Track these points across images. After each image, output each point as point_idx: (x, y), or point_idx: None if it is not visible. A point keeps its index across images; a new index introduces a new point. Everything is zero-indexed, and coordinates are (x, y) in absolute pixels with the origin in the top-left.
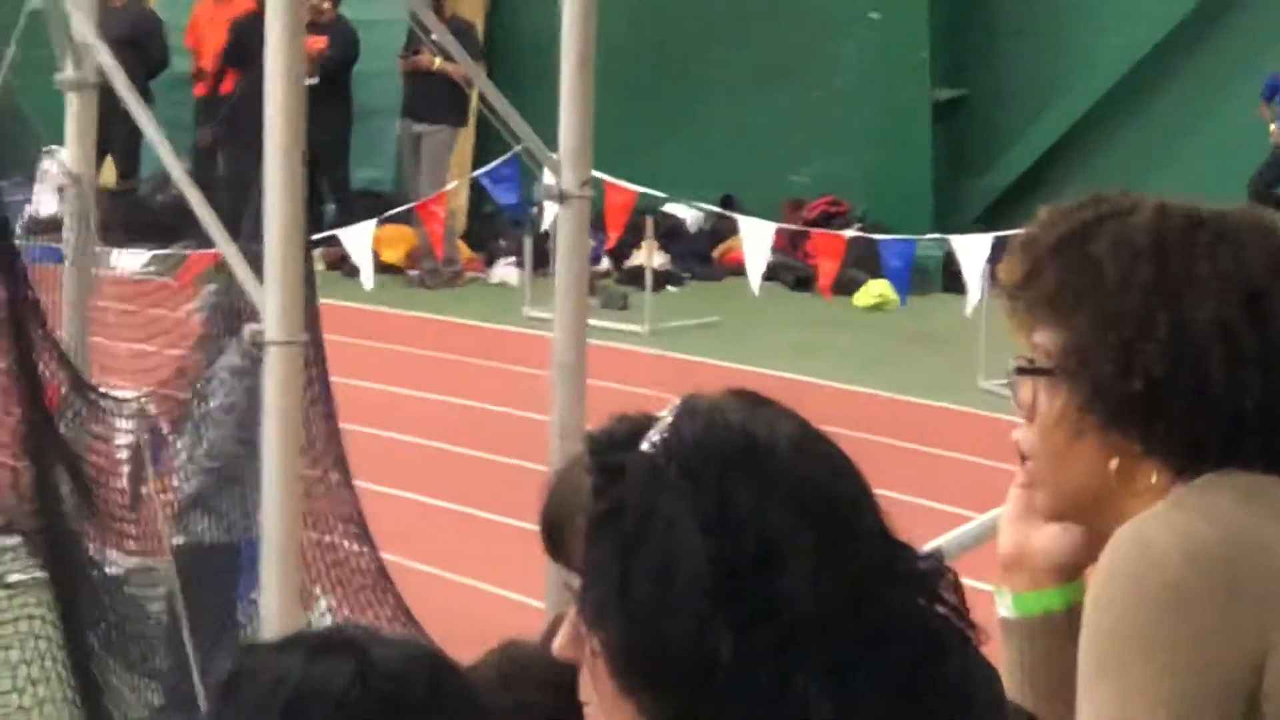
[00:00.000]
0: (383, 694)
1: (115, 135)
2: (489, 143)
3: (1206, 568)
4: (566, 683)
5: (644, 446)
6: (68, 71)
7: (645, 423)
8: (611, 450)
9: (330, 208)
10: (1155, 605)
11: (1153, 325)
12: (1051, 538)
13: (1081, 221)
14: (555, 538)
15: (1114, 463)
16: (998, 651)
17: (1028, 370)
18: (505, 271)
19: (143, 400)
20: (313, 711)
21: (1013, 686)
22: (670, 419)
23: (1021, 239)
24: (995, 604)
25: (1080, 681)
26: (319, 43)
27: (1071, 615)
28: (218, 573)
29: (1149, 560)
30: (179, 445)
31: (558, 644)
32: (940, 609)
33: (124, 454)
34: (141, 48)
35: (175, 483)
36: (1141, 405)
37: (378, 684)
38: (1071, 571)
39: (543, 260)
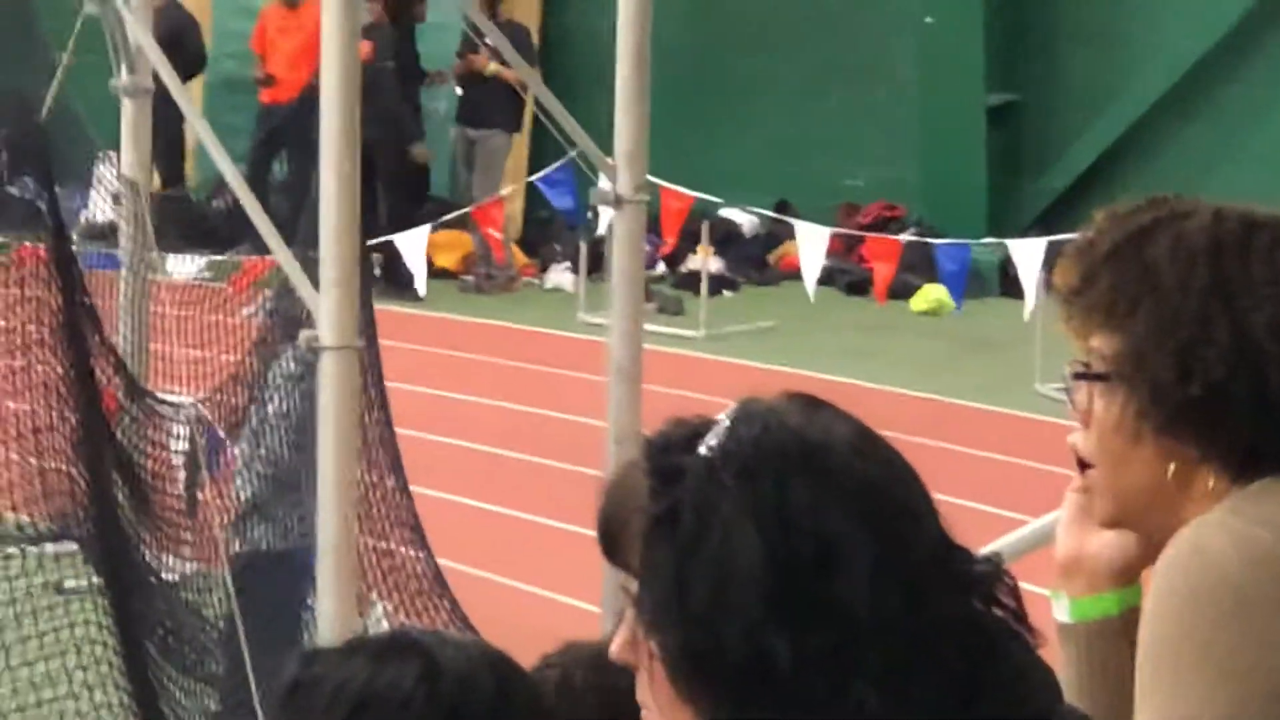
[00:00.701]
0: (450, 695)
1: (157, 141)
2: (544, 147)
3: (1262, 573)
4: (625, 686)
5: (701, 450)
6: (122, 77)
7: (702, 426)
8: (669, 453)
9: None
10: (1212, 612)
11: (1211, 329)
12: (1108, 542)
13: (1138, 226)
14: (612, 541)
15: (1171, 468)
16: (1056, 655)
17: (1085, 375)
18: (560, 277)
19: (199, 406)
20: (380, 714)
21: (1071, 691)
22: (727, 422)
23: (1077, 244)
24: (1052, 608)
25: (1138, 689)
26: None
27: (1128, 619)
28: (275, 579)
29: (1205, 567)
30: (235, 451)
31: (614, 647)
32: (997, 612)
33: (180, 460)
34: (180, 49)
35: (232, 489)
36: (1199, 410)
37: (445, 686)
38: (1129, 575)
39: (597, 265)
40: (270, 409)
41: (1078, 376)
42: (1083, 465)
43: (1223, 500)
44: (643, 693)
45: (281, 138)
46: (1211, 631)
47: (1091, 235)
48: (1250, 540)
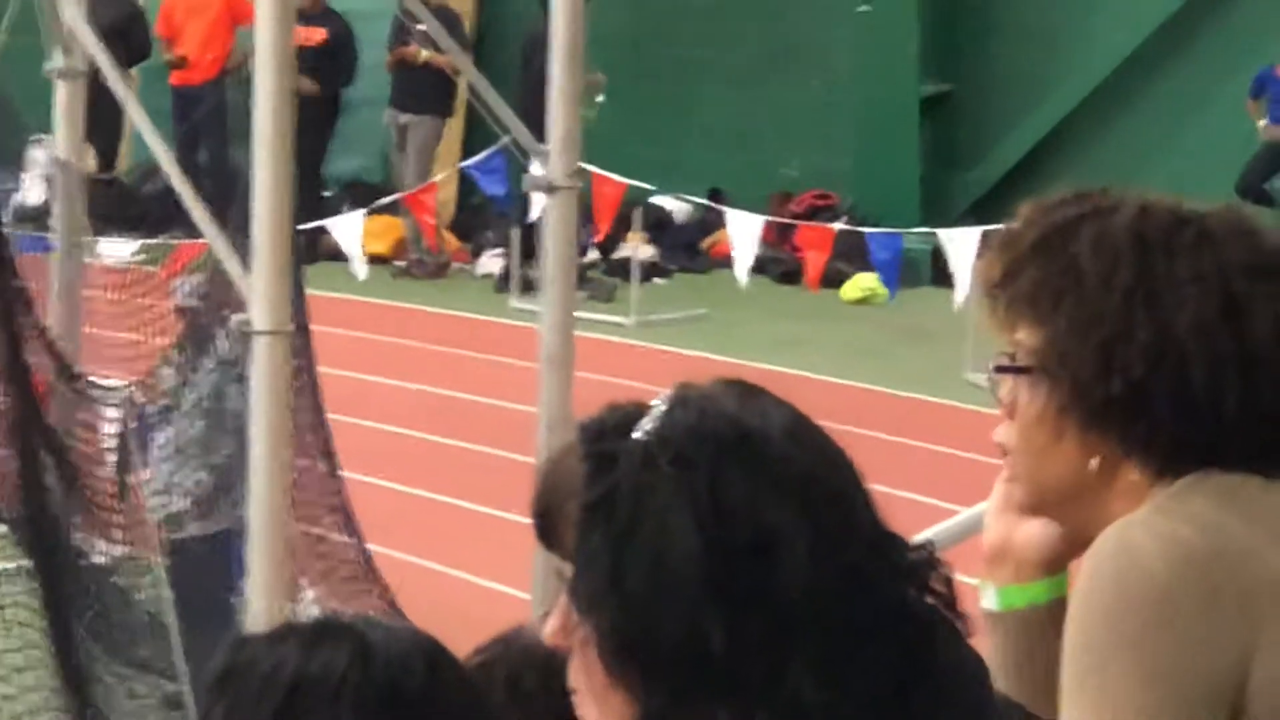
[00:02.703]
0: (383, 678)
1: (95, 125)
2: (477, 133)
3: (1189, 573)
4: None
5: (636, 435)
6: (56, 60)
7: (637, 411)
8: (604, 438)
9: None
10: (1138, 612)
11: (1133, 327)
12: (1036, 532)
13: (1063, 220)
14: (547, 525)
15: (1094, 461)
16: (986, 642)
17: (1008, 368)
18: (492, 262)
19: (130, 389)
20: (313, 698)
21: (998, 679)
22: (663, 407)
23: (1002, 237)
24: (980, 597)
25: (1064, 688)
26: (317, 34)
27: (1055, 609)
28: (205, 565)
29: (1132, 567)
30: (166, 435)
31: (548, 631)
32: (931, 600)
33: (111, 443)
34: (126, 37)
35: (162, 473)
36: (1121, 406)
37: (377, 668)
38: (1056, 565)
39: (530, 251)
40: (202, 392)
41: (1000, 369)
42: (1008, 456)
43: (1146, 494)
44: (576, 677)
45: (201, 121)
46: (1138, 633)
47: (1017, 227)
48: (1176, 540)
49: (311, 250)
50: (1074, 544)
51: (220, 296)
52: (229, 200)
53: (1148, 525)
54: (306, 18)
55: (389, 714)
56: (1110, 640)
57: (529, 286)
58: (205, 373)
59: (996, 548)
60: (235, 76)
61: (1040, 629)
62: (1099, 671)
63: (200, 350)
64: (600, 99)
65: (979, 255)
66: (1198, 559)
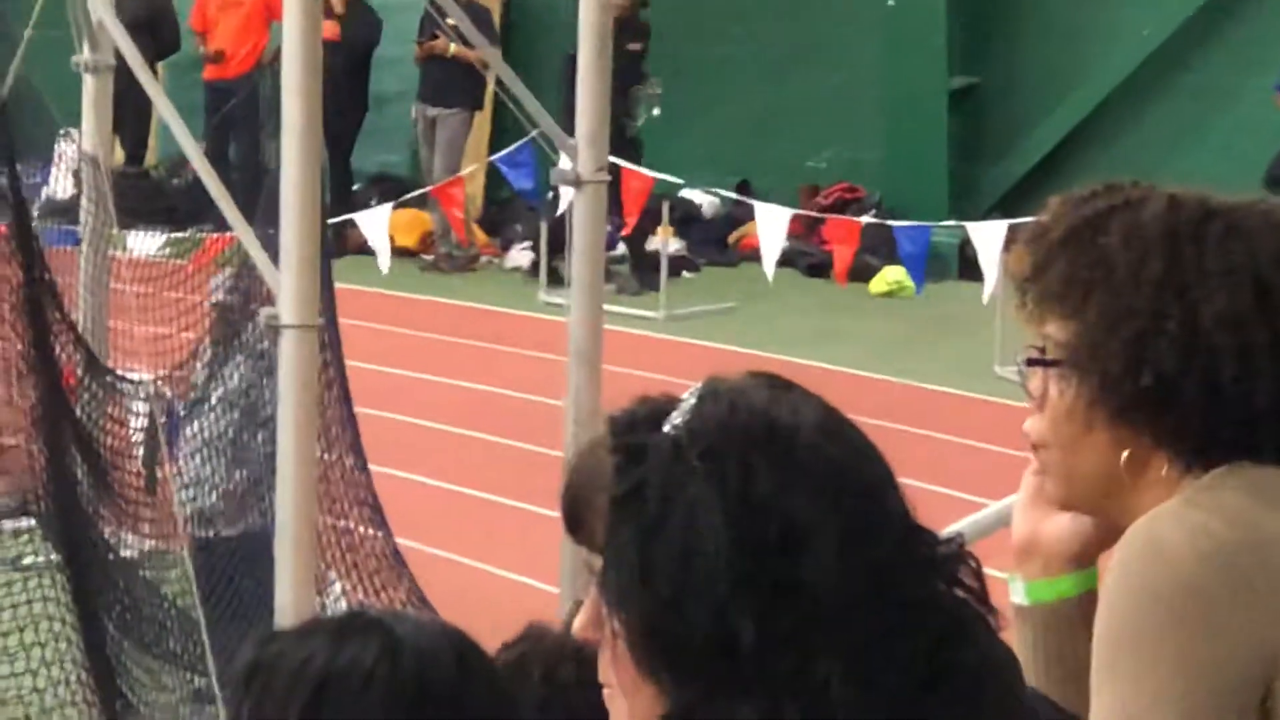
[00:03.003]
0: (411, 671)
1: (124, 118)
2: (505, 127)
3: (1218, 566)
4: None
5: (666, 428)
6: (84, 53)
7: (667, 405)
8: (633, 432)
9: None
10: (1167, 605)
11: (1163, 319)
12: (1064, 525)
13: (1092, 213)
14: (577, 518)
15: (1125, 454)
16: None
17: (1038, 362)
18: (520, 256)
19: (159, 383)
20: (342, 691)
21: (1027, 673)
22: (693, 401)
23: (1031, 230)
24: (1009, 591)
25: (1093, 679)
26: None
27: (1084, 602)
28: (235, 561)
29: (1161, 560)
30: (195, 429)
31: (578, 625)
32: (960, 594)
33: (139, 437)
34: (155, 30)
35: (191, 466)
36: (1152, 399)
37: (406, 662)
38: (1084, 559)
39: (558, 245)
40: (230, 387)
41: (1031, 363)
42: (1038, 449)
43: (1177, 487)
44: (605, 671)
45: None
46: (1166, 625)
47: (1046, 221)
48: (1205, 533)
49: (340, 244)
50: (1103, 537)
51: (248, 290)
52: (258, 194)
53: (1177, 518)
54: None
55: (418, 707)
56: (1139, 632)
57: (557, 280)
58: (234, 366)
59: (1025, 541)
60: (267, 71)
61: (1069, 623)
62: (1125, 663)
63: (230, 344)
64: (656, 111)
65: (1007, 248)
66: (1227, 551)
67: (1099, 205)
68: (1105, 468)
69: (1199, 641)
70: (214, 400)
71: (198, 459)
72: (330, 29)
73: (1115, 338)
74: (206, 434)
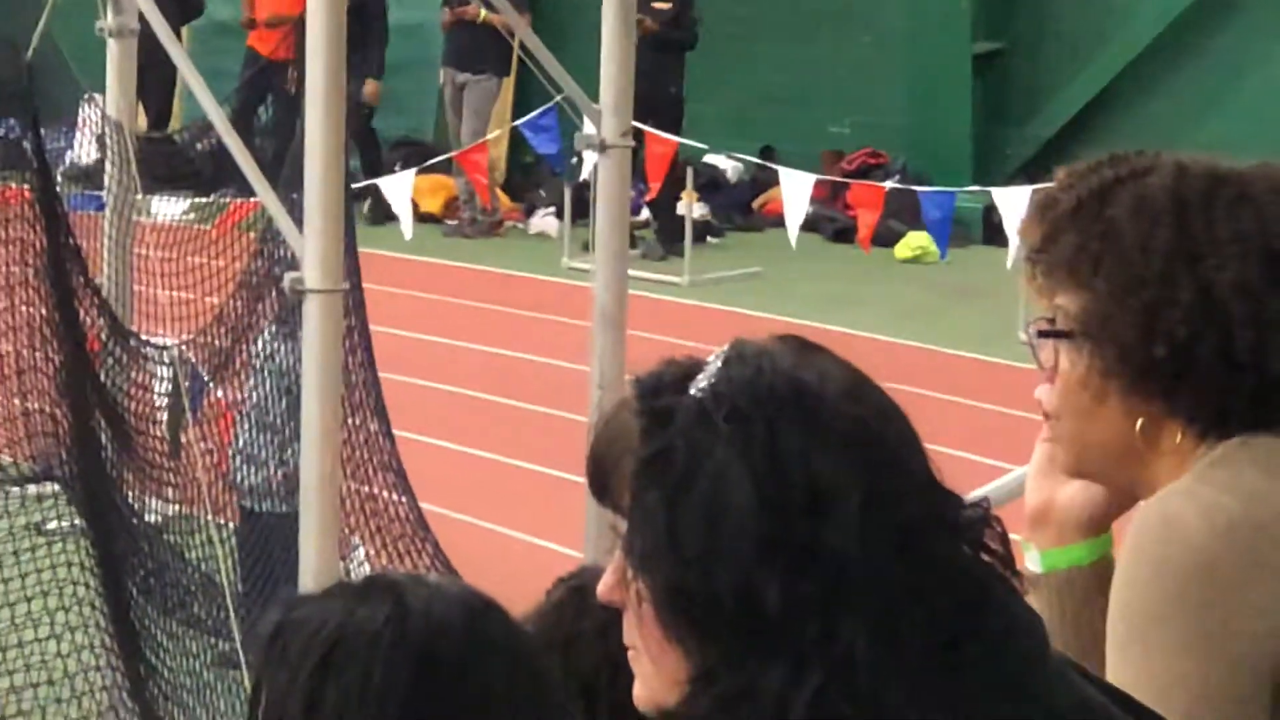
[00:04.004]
0: (418, 635)
1: (149, 83)
2: (530, 92)
3: (1231, 542)
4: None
5: (693, 391)
6: (108, 17)
7: (693, 367)
8: (660, 394)
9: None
10: (1179, 581)
11: (1175, 289)
12: (1077, 493)
13: (1099, 184)
14: (602, 481)
15: (1138, 424)
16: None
17: (1049, 333)
18: (544, 222)
19: (182, 348)
20: (349, 653)
21: None
22: (719, 363)
23: (1039, 201)
24: (1023, 559)
25: (1108, 658)
26: None
27: (1099, 569)
28: (267, 536)
29: (1174, 538)
30: (220, 394)
31: (602, 587)
32: (985, 557)
33: (163, 402)
34: None
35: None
36: (1165, 370)
37: (413, 625)
38: (1098, 526)
39: (582, 211)
40: (254, 350)
41: (1042, 334)
42: (1050, 418)
43: (1190, 456)
44: (630, 634)
45: (267, 80)
46: (1180, 602)
47: (1053, 192)
48: (1218, 509)
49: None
50: (1115, 505)
51: (272, 255)
52: (284, 159)
53: (1189, 495)
54: None
55: (421, 673)
56: (1152, 610)
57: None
58: (257, 331)
59: (1038, 509)
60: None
61: (1083, 590)
62: (1141, 641)
63: (253, 308)
64: None
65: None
66: (1240, 528)
67: (1106, 176)
68: (1118, 437)
69: (1213, 618)
70: (239, 364)
71: (247, 432)
72: None
73: (1127, 308)
74: (239, 400)
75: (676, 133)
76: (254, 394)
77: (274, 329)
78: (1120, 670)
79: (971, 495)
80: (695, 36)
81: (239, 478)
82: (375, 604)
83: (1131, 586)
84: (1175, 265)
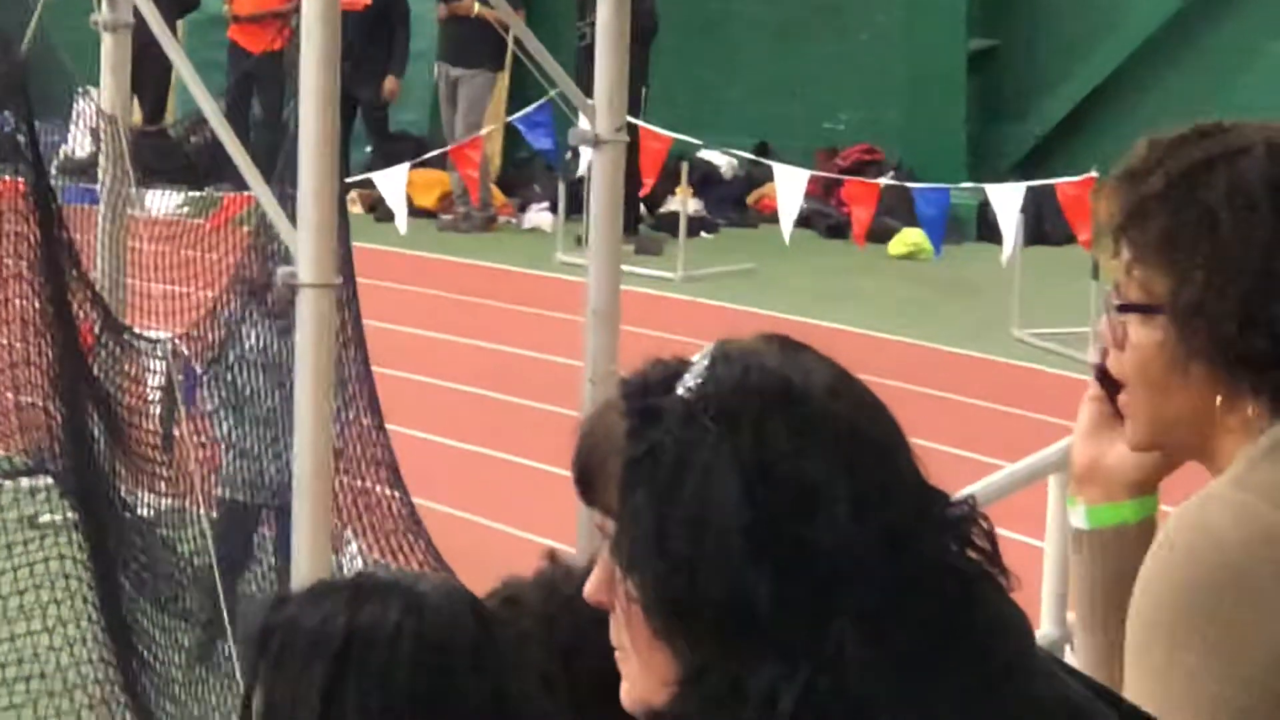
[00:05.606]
0: (435, 630)
1: (144, 77)
2: (524, 87)
3: (1264, 550)
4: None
5: (679, 391)
6: (103, 11)
7: (680, 367)
8: (646, 394)
9: (367, 151)
10: (1209, 585)
11: (1274, 280)
12: (1127, 451)
13: (1189, 163)
14: (589, 482)
15: (1219, 399)
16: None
17: (1134, 308)
18: (538, 217)
19: (175, 342)
20: (368, 649)
21: (1085, 597)
22: (705, 363)
23: (1123, 175)
24: (1068, 515)
25: (1128, 654)
26: None
27: (1144, 528)
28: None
29: (1206, 540)
30: (212, 388)
31: (589, 588)
32: (972, 555)
33: (156, 396)
34: None
35: (210, 425)
36: (1262, 358)
37: (429, 619)
38: (1147, 485)
39: (576, 206)
40: (247, 345)
41: (1126, 309)
42: (1102, 379)
43: (1259, 434)
44: (618, 634)
45: (260, 73)
46: (1206, 603)
47: (1139, 167)
48: (1252, 515)
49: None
50: (1166, 464)
51: (266, 249)
52: (279, 153)
53: (1224, 500)
54: None
55: (440, 666)
56: (1179, 610)
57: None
58: (250, 325)
59: (1087, 467)
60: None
61: (1127, 548)
62: (1163, 641)
63: (246, 303)
64: None
65: (1025, 211)
66: (1272, 535)
67: (1195, 155)
68: (1194, 411)
69: (1240, 622)
70: (232, 359)
71: (217, 418)
72: None
73: (1224, 298)
74: (224, 393)
75: None
76: (247, 388)
77: (267, 323)
78: (1142, 668)
79: (961, 493)
80: (654, 24)
81: (228, 470)
82: (382, 601)
83: (1160, 588)
84: (1274, 255)
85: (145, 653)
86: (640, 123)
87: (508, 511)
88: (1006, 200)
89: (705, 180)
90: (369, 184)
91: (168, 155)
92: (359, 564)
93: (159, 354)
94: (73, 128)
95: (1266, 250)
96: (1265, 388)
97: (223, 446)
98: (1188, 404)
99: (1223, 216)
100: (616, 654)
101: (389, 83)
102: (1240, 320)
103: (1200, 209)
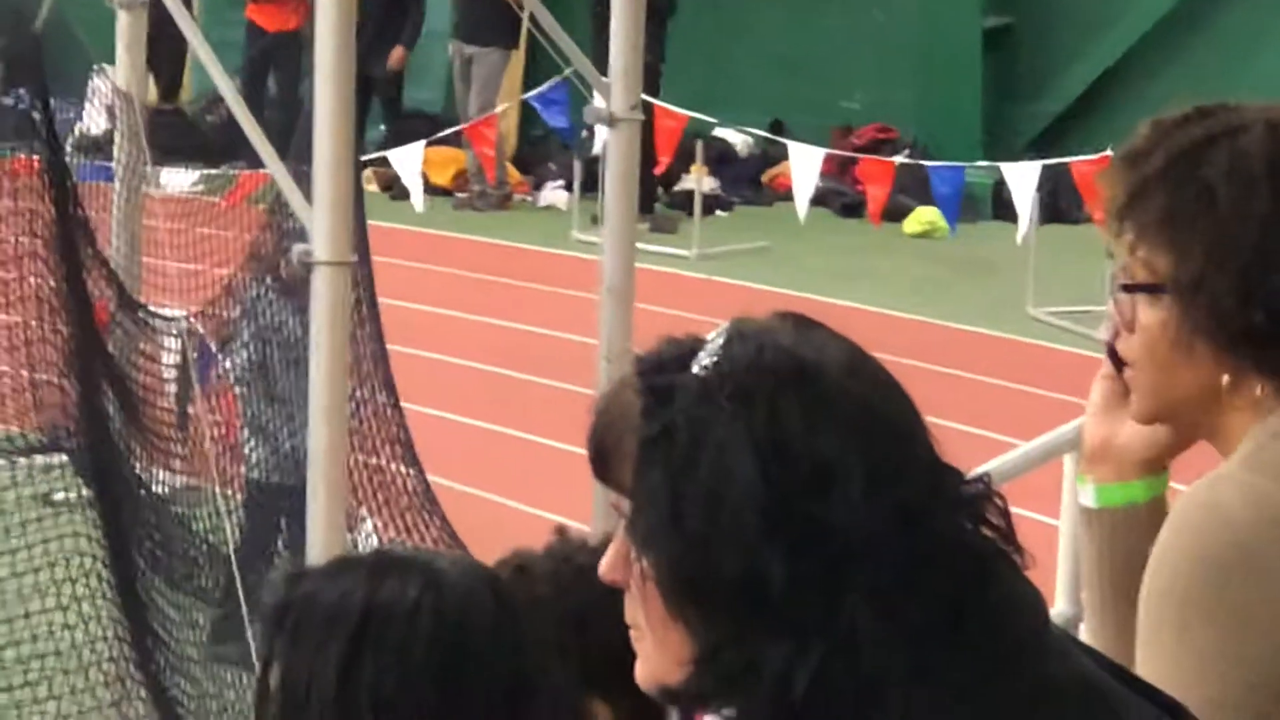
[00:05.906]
0: (454, 606)
1: (160, 54)
2: (539, 66)
3: (1273, 530)
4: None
5: (694, 369)
6: None
7: (695, 345)
8: (661, 372)
9: (381, 129)
10: (1219, 566)
11: (1273, 255)
12: (1138, 431)
13: (1189, 141)
14: (604, 460)
15: (1225, 378)
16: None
17: (1138, 287)
18: (554, 195)
19: (190, 319)
20: (386, 625)
21: (1093, 575)
22: (720, 341)
23: (1125, 155)
24: (1078, 494)
25: (1140, 635)
26: None
27: (1153, 508)
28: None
29: (1216, 521)
30: (227, 366)
31: (604, 566)
32: (987, 533)
33: (171, 374)
34: None
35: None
36: (1262, 333)
37: (448, 595)
38: (1158, 464)
39: (591, 184)
40: (262, 323)
41: (1129, 289)
42: (1114, 357)
43: (1266, 409)
44: (633, 613)
45: (276, 51)
46: (1218, 588)
47: (1140, 147)
48: (1262, 496)
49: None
50: (1177, 443)
51: (281, 227)
52: (294, 131)
53: (1234, 481)
54: None
55: (458, 643)
56: (1187, 592)
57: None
58: (265, 303)
59: (1098, 446)
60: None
61: (1138, 527)
62: (1174, 623)
63: (261, 280)
64: None
65: (1041, 188)
66: None
67: (1195, 133)
68: (1200, 390)
69: (1249, 601)
70: (248, 336)
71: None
72: None
73: (1224, 273)
74: (240, 371)
75: None
76: (262, 365)
77: (282, 300)
78: (1153, 648)
79: (976, 471)
80: (672, 2)
81: (246, 449)
82: (400, 576)
83: (1171, 569)
84: (1272, 232)
85: (160, 630)
86: (655, 101)
87: (522, 489)
88: (1022, 179)
89: (720, 158)
90: (384, 162)
91: (183, 133)
92: (373, 542)
93: (174, 332)
94: (88, 105)
95: (1264, 225)
96: (1271, 366)
97: (240, 425)
98: (1195, 383)
99: (1221, 193)
100: (631, 632)
101: (396, 52)
102: (1238, 295)
103: (1199, 186)
